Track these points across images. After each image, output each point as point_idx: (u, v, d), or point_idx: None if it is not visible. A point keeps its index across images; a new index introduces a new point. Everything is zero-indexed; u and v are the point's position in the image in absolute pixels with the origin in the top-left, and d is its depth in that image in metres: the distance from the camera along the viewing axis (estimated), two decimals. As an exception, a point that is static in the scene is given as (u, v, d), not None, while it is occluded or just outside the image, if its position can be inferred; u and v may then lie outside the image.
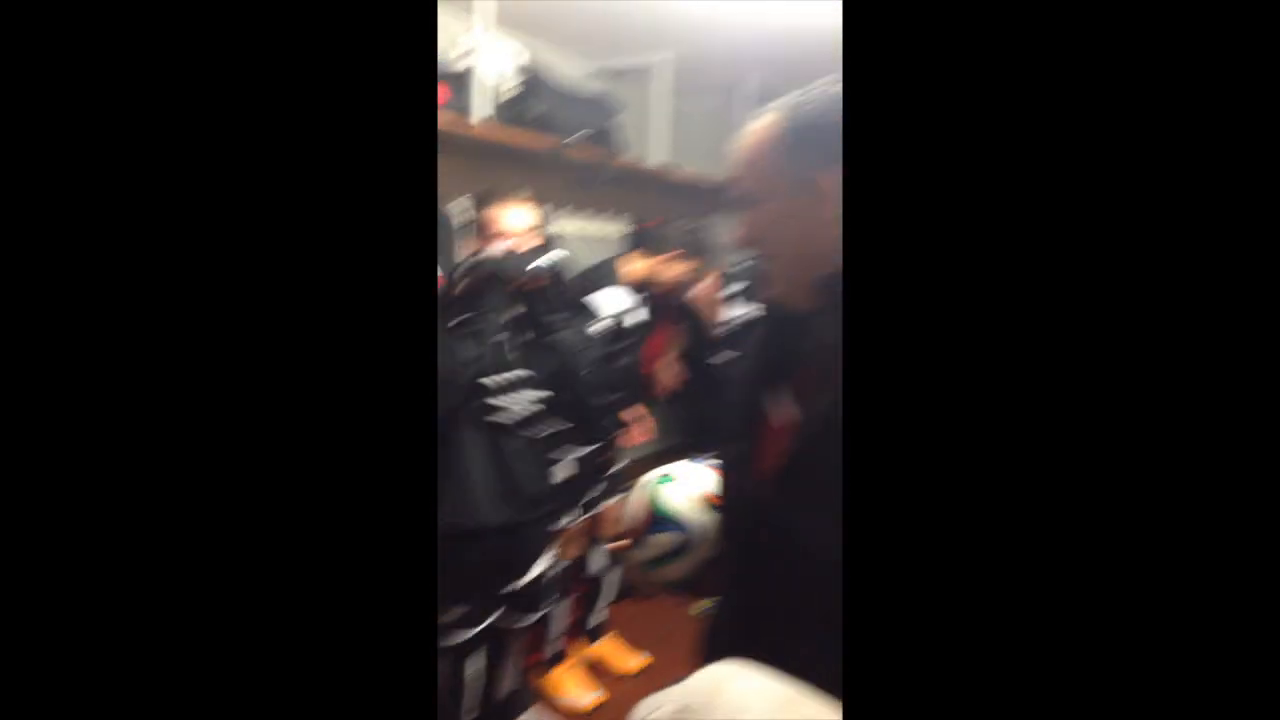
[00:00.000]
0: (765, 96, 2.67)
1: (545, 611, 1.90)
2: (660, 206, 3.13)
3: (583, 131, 2.18)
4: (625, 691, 2.13)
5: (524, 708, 1.94)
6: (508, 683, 1.87)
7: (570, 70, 2.49)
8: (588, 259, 2.84)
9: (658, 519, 0.92)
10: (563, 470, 1.93)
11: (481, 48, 1.88)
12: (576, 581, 2.24)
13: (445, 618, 1.66)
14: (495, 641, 1.82)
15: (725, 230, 3.12)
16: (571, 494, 2.05)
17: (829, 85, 0.79)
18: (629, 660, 2.27)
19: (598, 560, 2.28)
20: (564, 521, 1.96)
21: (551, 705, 2.11)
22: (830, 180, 0.73)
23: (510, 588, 1.77)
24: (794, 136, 0.78)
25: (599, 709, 2.08)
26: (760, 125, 0.81)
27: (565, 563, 2.13)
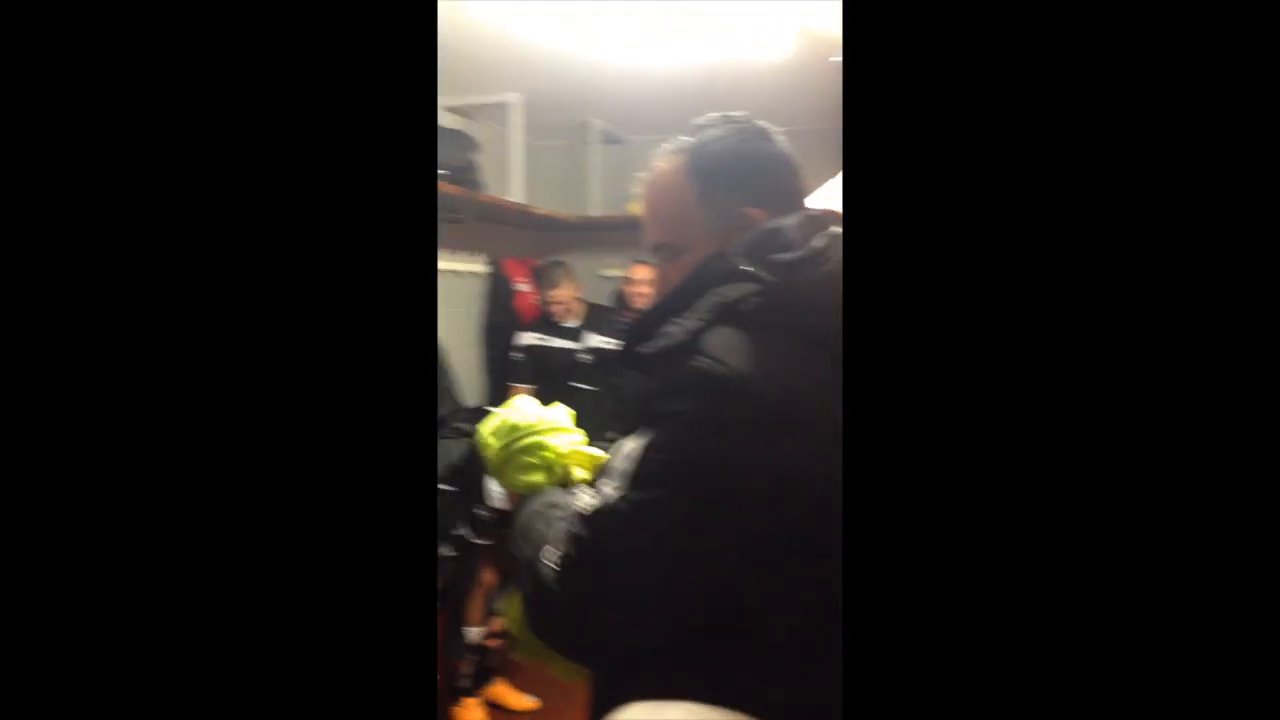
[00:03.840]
0: (610, 137, 2.81)
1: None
2: (521, 242, 3.16)
3: (443, 170, 2.17)
4: None
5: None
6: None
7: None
8: (457, 293, 2.82)
9: None
10: None
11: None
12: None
13: None
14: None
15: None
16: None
17: (717, 121, 0.75)
18: (521, 701, 2.32)
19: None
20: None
21: None
22: (758, 212, 0.71)
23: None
24: (703, 180, 0.73)
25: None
26: (663, 172, 0.76)
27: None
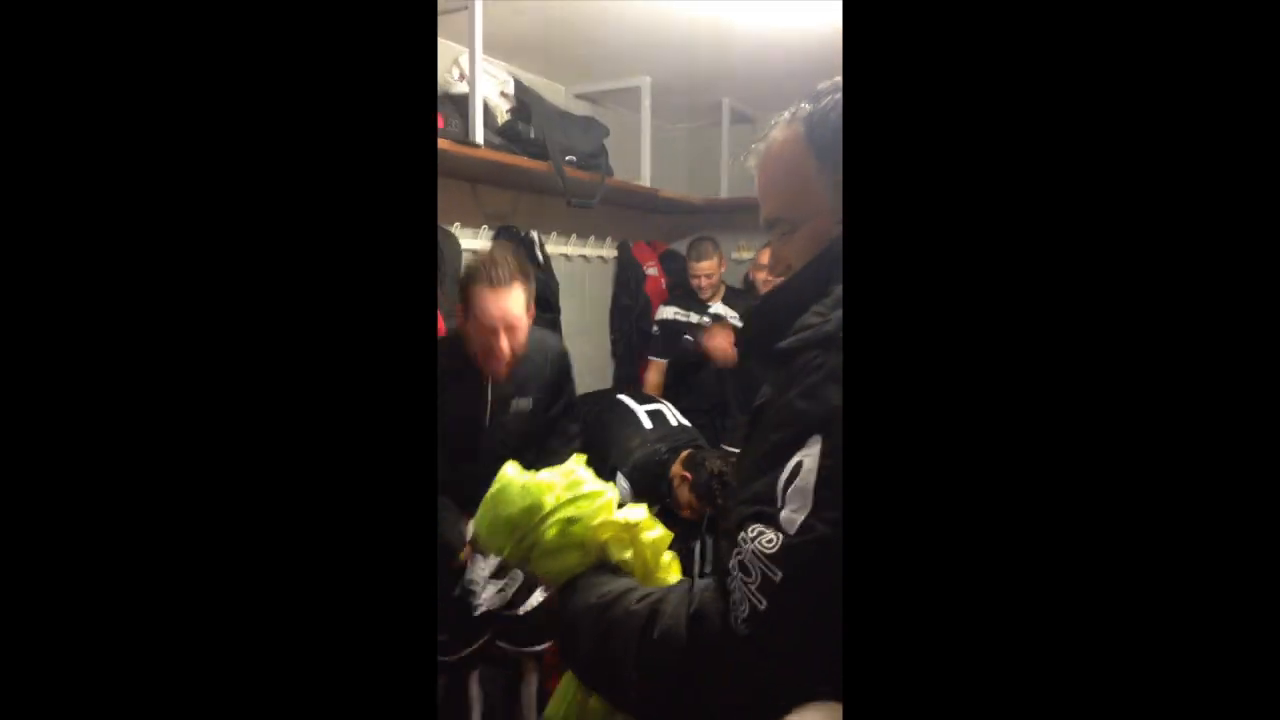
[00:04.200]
0: (738, 118, 2.74)
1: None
2: (649, 226, 3.17)
3: (570, 157, 2.20)
4: None
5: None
6: (527, 715, 1.84)
7: (553, 94, 2.52)
8: (587, 278, 2.87)
9: None
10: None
11: (473, 73, 1.90)
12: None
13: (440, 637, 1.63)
14: (496, 667, 1.80)
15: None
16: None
17: (839, 87, 0.70)
18: None
19: None
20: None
21: None
22: None
23: (508, 614, 1.75)
24: (822, 149, 0.69)
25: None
26: (781, 141, 0.73)
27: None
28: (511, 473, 0.81)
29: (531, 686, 1.87)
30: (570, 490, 0.76)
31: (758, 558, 0.57)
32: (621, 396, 2.30)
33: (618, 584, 0.72)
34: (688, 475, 1.93)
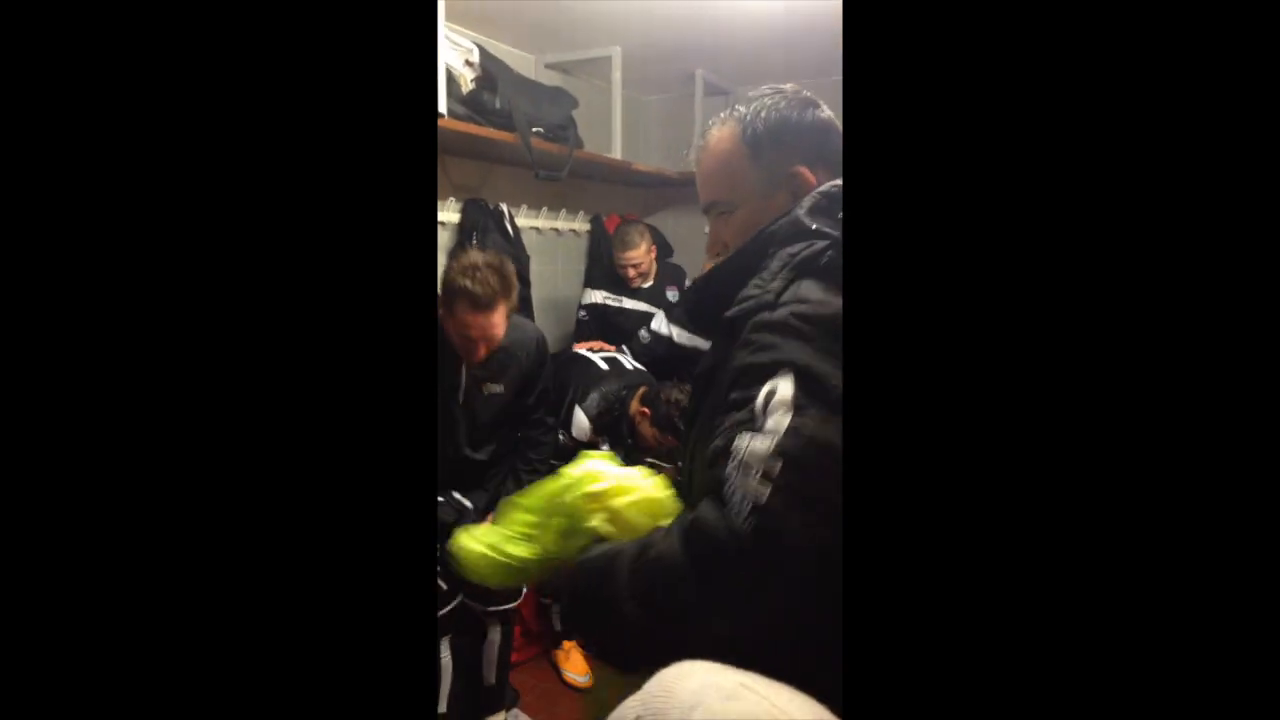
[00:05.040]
0: (711, 90, 2.73)
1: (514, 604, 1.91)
2: (622, 200, 3.14)
3: (536, 128, 2.17)
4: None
5: (503, 705, 1.94)
6: (487, 675, 1.88)
7: (523, 65, 2.48)
8: (560, 251, 2.84)
9: None
10: None
11: (439, 43, 1.86)
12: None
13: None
14: (468, 630, 1.83)
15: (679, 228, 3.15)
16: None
17: (768, 92, 0.83)
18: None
19: None
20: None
21: (557, 675, 2.22)
22: (806, 170, 0.80)
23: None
24: (754, 143, 0.81)
25: (584, 692, 2.18)
26: (718, 138, 0.85)
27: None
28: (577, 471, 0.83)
29: (494, 646, 1.91)
30: (590, 476, 0.79)
31: (754, 455, 0.61)
32: (577, 348, 2.38)
33: (614, 544, 0.73)
34: (646, 410, 2.04)
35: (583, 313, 2.66)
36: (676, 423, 1.95)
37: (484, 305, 1.51)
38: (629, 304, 2.61)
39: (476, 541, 0.84)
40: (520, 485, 1.85)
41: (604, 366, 2.21)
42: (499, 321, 1.57)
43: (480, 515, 1.77)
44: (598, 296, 2.64)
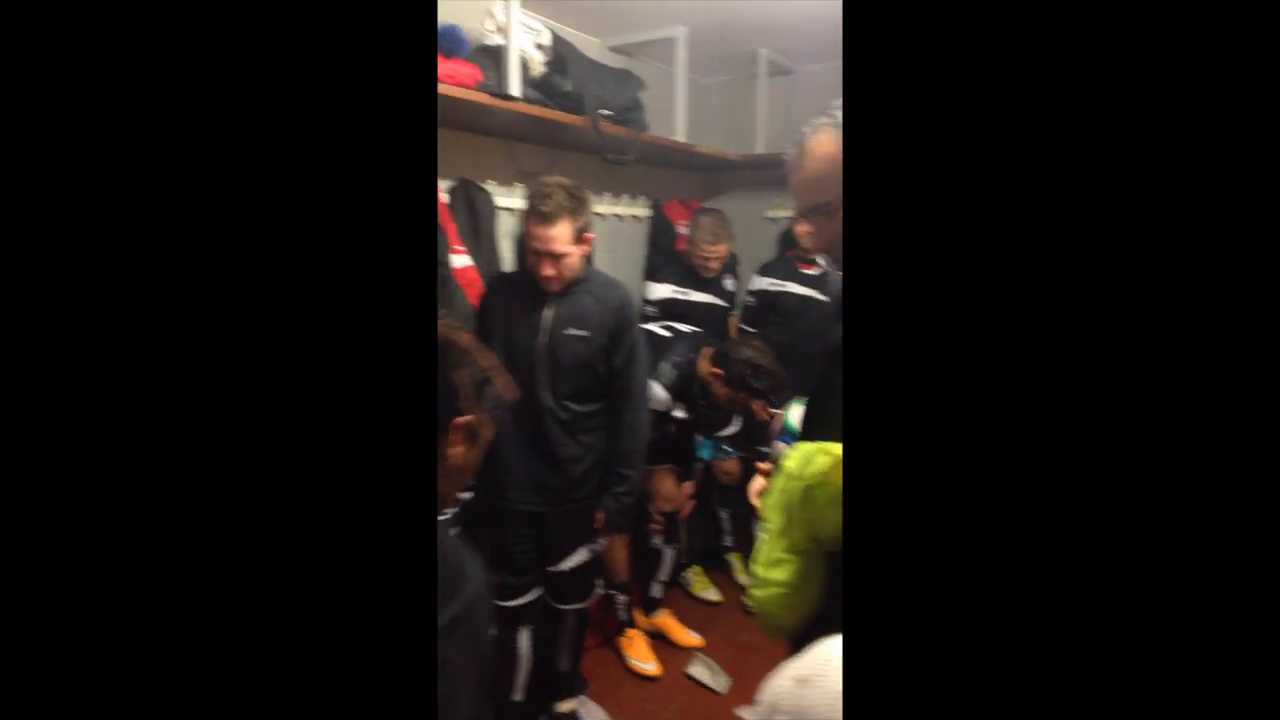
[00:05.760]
0: (775, 70, 2.68)
1: (586, 603, 1.91)
2: (681, 184, 3.10)
3: (605, 111, 2.14)
4: (675, 673, 2.22)
5: (573, 692, 1.95)
6: (561, 663, 1.89)
7: (587, 48, 2.45)
8: (621, 238, 2.82)
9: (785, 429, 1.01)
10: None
11: (509, 26, 1.84)
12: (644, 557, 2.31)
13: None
14: (547, 620, 1.84)
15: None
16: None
17: None
18: (686, 636, 2.34)
19: (657, 536, 2.30)
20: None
21: (621, 663, 2.22)
22: None
23: (556, 568, 1.81)
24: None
25: (654, 680, 2.19)
26: (818, 142, 0.88)
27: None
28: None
29: (569, 631, 1.92)
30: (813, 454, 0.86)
31: None
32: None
33: None
34: (718, 371, 2.05)
35: (651, 308, 2.53)
36: (749, 380, 1.99)
37: (547, 218, 1.60)
38: (696, 296, 2.53)
39: (755, 587, 0.91)
40: (616, 524, 1.82)
41: (665, 334, 2.18)
42: (561, 237, 1.61)
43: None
44: (665, 290, 2.53)
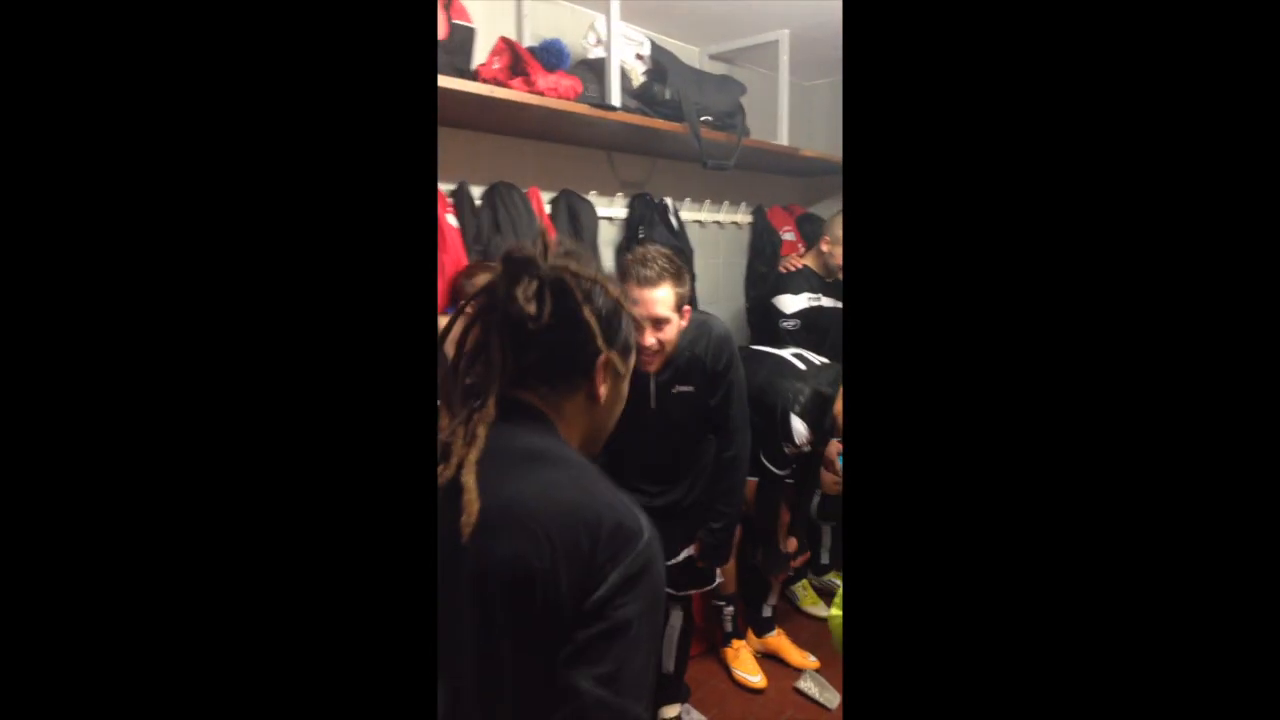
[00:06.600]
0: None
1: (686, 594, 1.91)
2: (784, 189, 3.06)
3: (705, 117, 2.14)
4: (781, 686, 2.17)
5: (678, 698, 1.93)
6: (667, 663, 1.88)
7: (687, 58, 2.47)
8: (722, 245, 2.80)
9: None
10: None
11: (609, 38, 1.88)
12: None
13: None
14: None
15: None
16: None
17: None
18: (801, 658, 2.27)
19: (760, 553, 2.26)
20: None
21: (726, 673, 2.19)
22: None
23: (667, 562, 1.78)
24: None
25: (760, 693, 2.14)
26: None
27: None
28: None
29: (675, 631, 1.92)
30: None
31: None
32: (756, 347, 2.25)
33: None
34: None
35: (791, 321, 2.33)
36: None
37: (650, 281, 1.55)
38: (827, 302, 2.39)
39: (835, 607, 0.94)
40: (716, 549, 1.82)
41: (801, 365, 2.07)
42: (664, 300, 1.57)
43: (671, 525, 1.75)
44: (802, 300, 2.34)
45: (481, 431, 0.66)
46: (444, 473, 0.65)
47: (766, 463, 2.01)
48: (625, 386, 0.78)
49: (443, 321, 0.74)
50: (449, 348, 0.73)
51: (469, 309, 0.73)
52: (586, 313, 0.70)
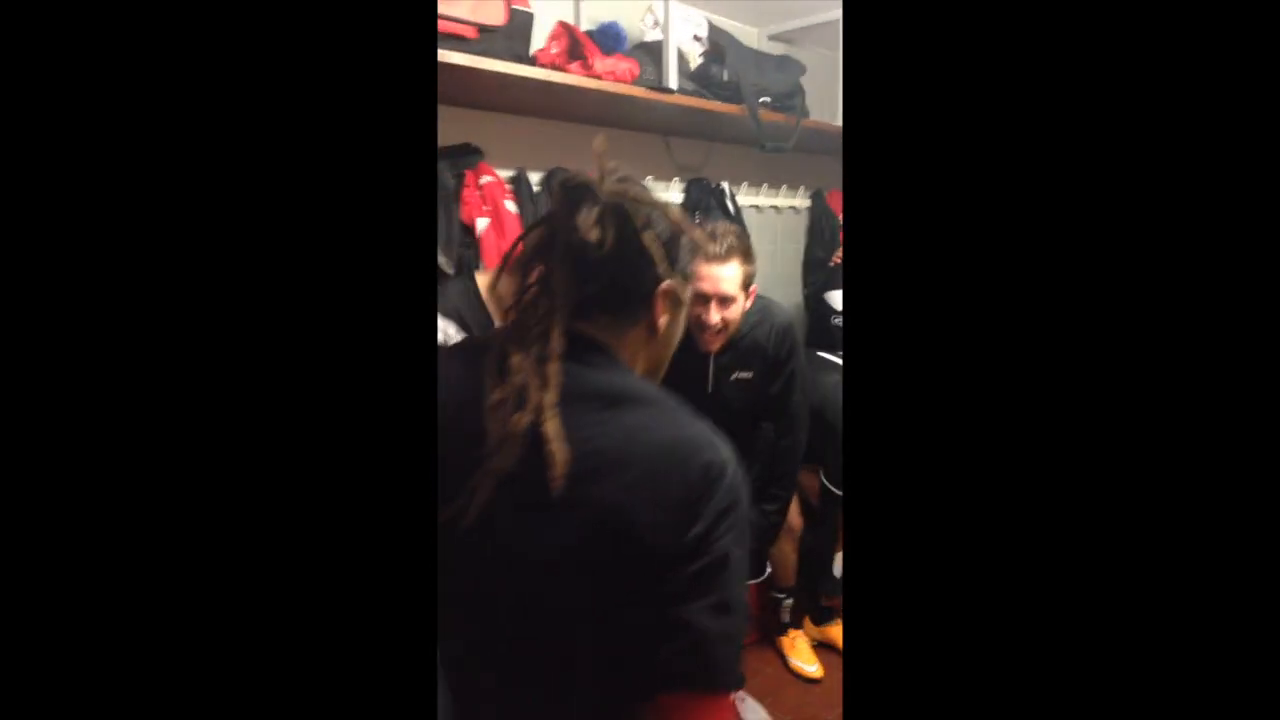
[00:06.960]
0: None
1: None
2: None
3: (764, 98, 2.10)
4: (838, 678, 2.14)
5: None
6: None
7: (745, 39, 2.43)
8: (779, 230, 2.77)
9: None
10: None
11: (667, 19, 1.85)
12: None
13: None
14: None
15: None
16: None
17: None
18: None
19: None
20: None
21: (782, 661, 2.18)
22: None
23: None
24: None
25: (816, 683, 2.13)
26: None
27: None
28: None
29: None
30: None
31: None
32: (821, 354, 2.22)
33: None
34: None
35: (842, 318, 2.33)
36: None
37: (719, 256, 1.53)
38: None
39: None
40: (766, 531, 1.79)
41: None
42: (732, 278, 1.55)
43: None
44: None
45: (554, 370, 0.63)
46: (520, 420, 0.61)
47: (827, 483, 1.97)
48: (683, 317, 0.76)
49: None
50: (504, 288, 0.71)
51: (520, 245, 0.70)
52: (648, 239, 0.67)
